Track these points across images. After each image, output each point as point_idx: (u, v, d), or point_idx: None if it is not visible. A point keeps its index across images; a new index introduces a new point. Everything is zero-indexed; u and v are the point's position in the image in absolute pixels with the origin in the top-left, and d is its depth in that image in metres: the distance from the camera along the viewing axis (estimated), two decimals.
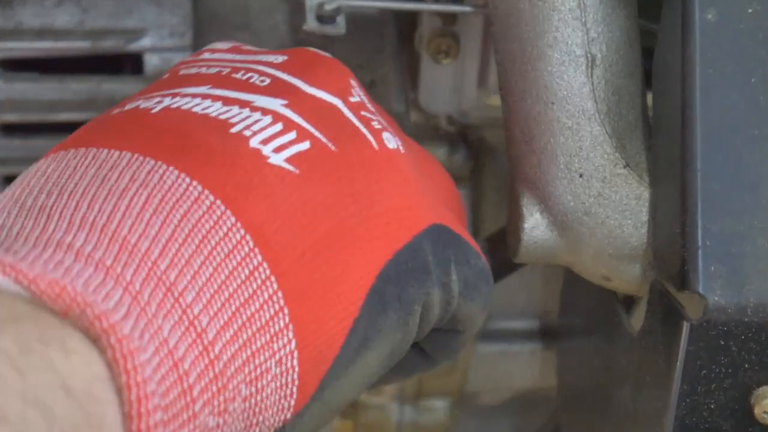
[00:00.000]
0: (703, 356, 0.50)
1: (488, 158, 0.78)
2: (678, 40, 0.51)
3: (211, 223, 0.42)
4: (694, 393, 0.51)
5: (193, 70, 0.51)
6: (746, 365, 0.50)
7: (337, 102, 0.49)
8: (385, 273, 0.47)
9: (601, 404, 0.63)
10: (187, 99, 0.47)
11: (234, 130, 0.45)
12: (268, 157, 0.44)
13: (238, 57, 0.52)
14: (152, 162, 0.43)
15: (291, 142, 0.46)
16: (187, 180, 0.42)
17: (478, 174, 0.78)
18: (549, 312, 0.81)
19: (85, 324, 0.36)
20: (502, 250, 0.62)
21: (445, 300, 0.50)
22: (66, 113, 0.71)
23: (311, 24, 0.60)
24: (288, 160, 0.45)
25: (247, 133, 0.45)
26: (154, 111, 0.46)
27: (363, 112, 0.50)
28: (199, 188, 0.42)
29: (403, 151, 0.50)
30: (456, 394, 0.84)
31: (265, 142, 0.45)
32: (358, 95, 0.51)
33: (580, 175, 0.54)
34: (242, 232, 0.42)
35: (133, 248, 0.40)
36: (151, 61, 0.71)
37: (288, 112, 0.47)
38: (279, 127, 0.46)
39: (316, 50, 0.52)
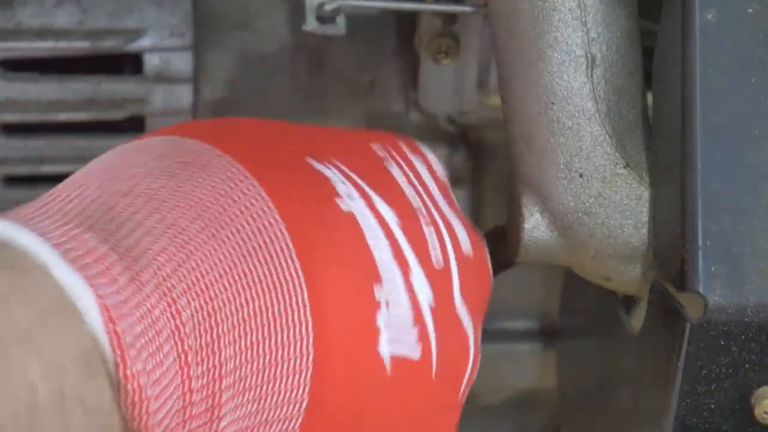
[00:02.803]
0: (704, 356, 0.50)
1: (488, 158, 0.78)
2: (678, 40, 0.51)
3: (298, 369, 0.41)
4: (694, 393, 0.51)
5: (397, 174, 0.48)
6: (746, 365, 0.50)
7: (469, 325, 0.48)
8: None
9: (601, 404, 0.63)
10: (373, 224, 0.45)
11: (377, 294, 0.44)
12: (380, 344, 0.43)
13: (440, 201, 0.50)
14: (297, 267, 0.41)
15: (408, 345, 0.44)
16: (306, 308, 0.41)
17: (478, 174, 0.78)
18: (549, 312, 0.81)
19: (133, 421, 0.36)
20: (501, 247, 0.62)
21: None
22: (66, 113, 0.71)
23: (311, 24, 0.60)
24: (393, 357, 0.44)
25: (383, 308, 0.44)
26: (341, 205, 0.44)
27: (480, 342, 0.49)
28: (310, 325, 0.41)
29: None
30: None
31: (387, 326, 0.44)
32: (483, 311, 0.50)
33: (580, 175, 0.54)
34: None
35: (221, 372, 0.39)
36: (151, 61, 0.71)
37: (427, 315, 0.45)
38: (410, 322, 0.45)
39: (488, 259, 0.51)
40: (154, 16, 0.71)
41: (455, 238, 0.49)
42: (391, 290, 0.44)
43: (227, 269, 0.40)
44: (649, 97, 0.56)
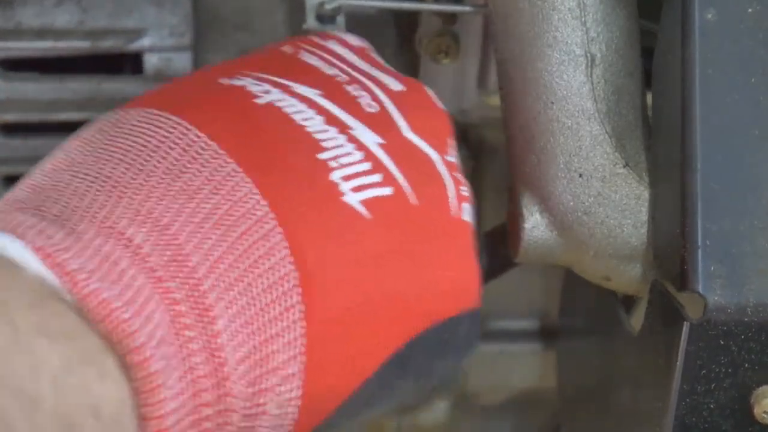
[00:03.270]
0: (703, 356, 0.50)
1: (488, 158, 0.78)
2: (678, 40, 0.51)
3: (266, 247, 0.41)
4: (694, 393, 0.51)
5: (313, 60, 0.50)
6: (746, 365, 0.50)
7: (433, 155, 0.49)
8: (417, 341, 0.46)
9: (601, 404, 0.63)
10: (293, 101, 0.46)
11: (323, 155, 0.44)
12: (344, 194, 0.44)
13: (358, 64, 0.51)
14: (231, 164, 0.42)
15: (373, 185, 0.45)
16: (257, 196, 0.42)
17: (478, 174, 0.78)
18: (549, 312, 0.81)
19: (122, 352, 0.37)
20: (501, 247, 0.62)
21: (448, 382, 0.50)
22: (66, 113, 0.71)
23: (311, 24, 0.60)
24: (364, 202, 0.44)
25: (334, 164, 0.44)
26: (258, 101, 0.45)
27: (456, 173, 0.49)
28: (266, 208, 0.42)
29: (474, 228, 0.50)
30: (456, 394, 0.84)
31: (347, 178, 0.44)
32: (454, 156, 0.50)
33: (580, 175, 0.54)
34: (292, 267, 0.42)
35: (191, 272, 0.40)
36: (151, 61, 0.71)
37: (381, 153, 0.46)
38: (367, 166, 0.45)
39: (431, 92, 0.52)
40: (154, 16, 0.71)
41: (381, 83, 0.50)
42: (334, 148, 0.45)
43: (164, 189, 0.41)
44: (649, 97, 0.56)
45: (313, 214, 0.43)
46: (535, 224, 0.56)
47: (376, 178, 0.45)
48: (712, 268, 0.49)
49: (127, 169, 0.42)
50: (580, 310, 0.70)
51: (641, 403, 0.55)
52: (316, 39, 0.52)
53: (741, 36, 0.50)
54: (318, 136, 0.45)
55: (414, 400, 0.48)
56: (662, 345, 0.52)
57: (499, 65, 0.56)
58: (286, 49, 0.51)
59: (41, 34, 0.70)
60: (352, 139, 0.46)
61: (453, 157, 0.50)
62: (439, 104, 0.51)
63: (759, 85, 0.50)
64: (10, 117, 0.71)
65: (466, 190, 0.49)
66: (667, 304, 0.51)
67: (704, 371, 0.50)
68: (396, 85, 0.50)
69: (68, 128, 0.72)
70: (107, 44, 0.70)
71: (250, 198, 0.42)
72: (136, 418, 0.37)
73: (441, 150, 0.49)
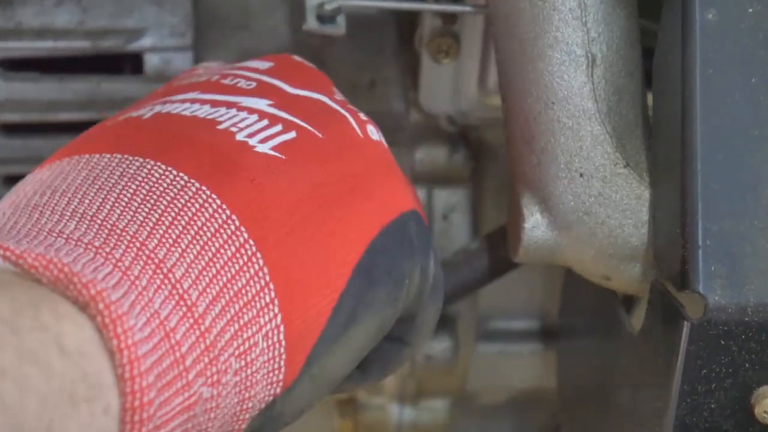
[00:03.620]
0: (704, 356, 0.50)
1: (488, 158, 0.78)
2: (678, 40, 0.51)
3: (197, 206, 0.43)
4: (694, 393, 0.51)
5: (185, 81, 0.53)
6: (746, 365, 0.50)
7: (321, 97, 0.51)
8: (374, 247, 0.48)
9: (601, 404, 0.63)
10: (176, 105, 0.49)
11: (221, 127, 0.47)
12: (254, 147, 0.46)
13: (227, 67, 0.54)
14: (140, 160, 0.44)
15: (277, 134, 0.48)
16: (174, 172, 0.44)
17: (478, 174, 0.78)
18: (549, 312, 0.81)
19: (74, 293, 0.37)
20: (502, 248, 0.62)
21: (421, 286, 0.51)
22: (66, 113, 0.71)
23: (311, 24, 0.60)
24: (274, 148, 0.47)
25: (234, 129, 0.47)
26: (145, 117, 0.48)
27: (348, 107, 0.52)
28: (185, 178, 0.44)
29: (385, 145, 0.52)
30: (456, 394, 0.84)
31: (251, 135, 0.47)
32: (340, 96, 0.53)
33: (581, 175, 0.54)
34: (228, 212, 0.43)
35: (122, 231, 0.41)
36: (151, 61, 0.71)
37: (273, 110, 0.49)
38: (265, 122, 0.48)
39: (299, 58, 0.55)
40: (154, 16, 0.71)
41: (250, 68, 0.53)
42: (229, 119, 0.47)
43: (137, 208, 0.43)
44: (649, 97, 0.56)
45: (234, 168, 0.45)
46: (535, 224, 0.56)
47: (278, 128, 0.48)
48: (713, 268, 0.49)
49: (99, 189, 0.44)
50: (580, 310, 0.70)
51: (641, 403, 0.55)
52: (185, 72, 0.56)
53: (741, 36, 0.50)
54: (211, 116, 0.48)
55: (392, 321, 0.49)
56: (662, 345, 0.52)
57: (499, 65, 0.56)
58: (159, 89, 0.54)
59: (41, 34, 0.70)
60: (242, 109, 0.49)
61: (340, 96, 0.53)
62: (310, 65, 0.55)
63: (759, 85, 0.50)
64: (10, 117, 0.71)
65: (364, 116, 0.52)
66: (667, 304, 0.51)
67: (704, 371, 0.50)
68: (265, 64, 0.53)
69: (68, 128, 0.73)
70: (107, 44, 0.70)
71: (169, 173, 0.44)
72: (106, 352, 0.37)
73: (327, 93, 0.52)
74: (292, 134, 0.48)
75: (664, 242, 0.53)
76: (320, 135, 0.49)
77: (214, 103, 0.49)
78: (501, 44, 0.55)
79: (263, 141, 0.47)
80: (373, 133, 0.52)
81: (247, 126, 0.47)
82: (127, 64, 0.72)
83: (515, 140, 0.56)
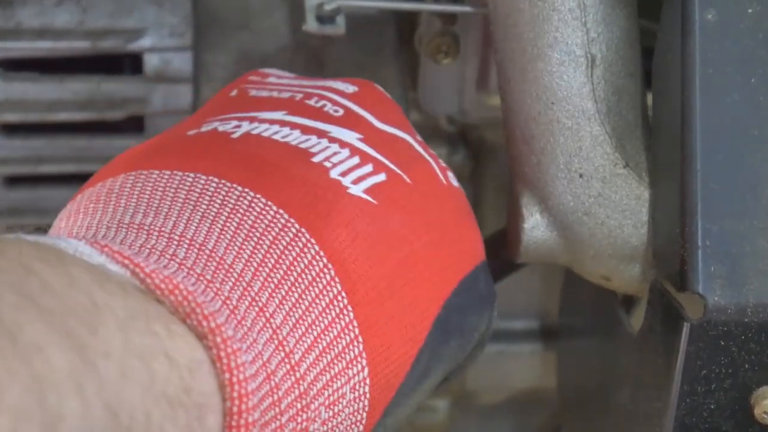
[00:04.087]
0: (703, 356, 0.50)
1: (488, 158, 0.78)
2: (678, 40, 0.51)
3: (297, 250, 0.43)
4: (694, 393, 0.51)
5: (265, 93, 0.52)
6: (746, 365, 0.50)
7: (407, 137, 0.51)
8: (450, 302, 0.48)
9: (601, 404, 0.63)
10: (265, 125, 0.48)
11: (315, 159, 0.47)
12: (348, 188, 0.46)
13: (307, 83, 0.53)
14: (239, 189, 0.44)
15: (368, 174, 0.47)
16: (274, 208, 0.44)
17: (478, 174, 0.78)
18: (549, 312, 0.81)
19: (194, 322, 0.38)
20: (503, 251, 0.62)
21: (484, 335, 0.52)
22: (66, 113, 0.71)
23: (311, 24, 0.60)
24: (366, 191, 0.46)
25: (328, 164, 0.46)
26: (234, 136, 0.47)
27: (430, 151, 0.52)
28: (286, 216, 0.44)
29: (462, 191, 0.53)
30: (456, 394, 0.84)
31: (344, 174, 0.46)
32: (419, 136, 0.53)
33: (580, 175, 0.54)
34: (324, 260, 0.43)
35: (230, 268, 0.41)
36: (151, 61, 0.71)
37: (363, 146, 0.49)
38: (356, 160, 0.48)
39: (380, 88, 0.54)
40: (154, 16, 0.71)
41: (335, 90, 0.52)
42: (322, 151, 0.47)
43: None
44: (649, 97, 0.56)
45: (330, 210, 0.45)
46: (535, 224, 0.56)
47: (369, 168, 0.48)
48: (712, 268, 0.49)
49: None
50: (580, 310, 0.70)
51: (641, 404, 0.55)
52: (254, 77, 0.55)
53: (741, 36, 0.50)
54: (303, 146, 0.47)
55: (454, 368, 0.51)
56: (662, 345, 0.52)
57: (499, 65, 0.56)
58: (233, 93, 0.53)
59: (41, 34, 0.70)
60: (334, 140, 0.48)
61: (419, 137, 0.53)
62: (389, 97, 0.55)
63: (759, 85, 0.50)
64: (10, 117, 0.71)
65: (443, 162, 0.53)
66: (667, 304, 0.51)
67: (704, 372, 0.50)
68: (349, 88, 0.52)
69: (68, 128, 0.73)
70: (107, 44, 0.70)
71: (269, 208, 0.44)
72: (215, 380, 0.37)
73: (411, 133, 0.52)
74: (382, 177, 0.48)
75: (664, 242, 0.53)
76: (408, 180, 0.49)
77: (305, 130, 0.48)
78: (501, 44, 0.55)
79: (356, 182, 0.46)
80: (453, 179, 0.52)
81: (341, 162, 0.47)
82: (127, 64, 0.72)
83: (515, 140, 0.56)
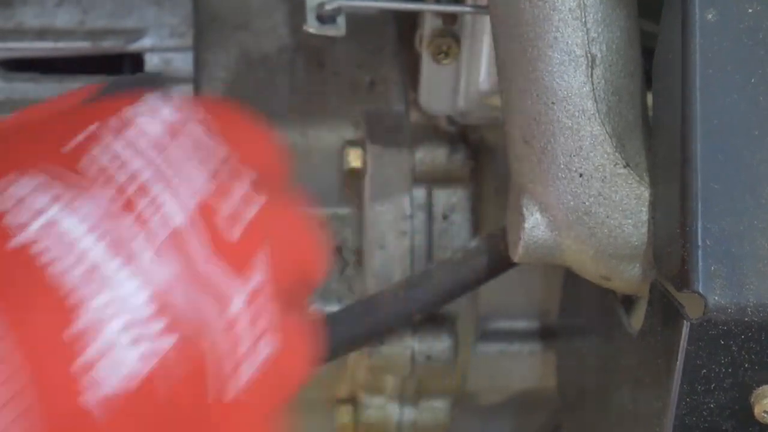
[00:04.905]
0: (703, 356, 0.50)
1: (488, 158, 0.78)
2: (678, 40, 0.51)
3: None
4: (694, 392, 0.51)
5: (94, 167, 0.38)
6: (746, 365, 0.50)
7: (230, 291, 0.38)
8: None
9: (601, 404, 0.63)
10: (58, 240, 0.36)
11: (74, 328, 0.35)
12: (81, 394, 0.35)
13: (171, 151, 0.40)
14: None
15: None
16: None
17: (478, 174, 0.78)
18: (549, 312, 0.81)
19: None
20: (503, 247, 0.61)
21: None
22: None
23: (311, 24, 0.60)
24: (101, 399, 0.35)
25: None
26: (9, 246, 0.36)
27: (259, 304, 0.38)
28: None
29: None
30: (456, 394, 0.84)
31: (88, 367, 0.35)
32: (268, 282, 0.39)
33: (580, 175, 0.54)
34: None
35: None
36: (151, 61, 0.71)
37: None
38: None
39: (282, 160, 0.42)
40: (154, 16, 0.71)
41: (187, 182, 0.39)
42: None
43: None
44: (649, 97, 0.56)
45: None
46: (535, 224, 0.56)
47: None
48: (712, 268, 0.49)
49: None
50: (580, 310, 0.70)
51: (641, 403, 0.55)
52: (126, 113, 0.42)
53: (741, 36, 0.50)
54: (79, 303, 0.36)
55: None
56: (662, 345, 0.52)
57: (499, 65, 0.56)
58: (82, 134, 0.39)
59: (42, 34, 0.70)
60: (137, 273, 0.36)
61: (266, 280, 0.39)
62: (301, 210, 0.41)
63: (759, 85, 0.50)
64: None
65: (264, 322, 0.38)
66: (667, 304, 0.51)
67: (704, 371, 0.50)
68: (206, 174, 0.39)
69: None
70: (107, 44, 0.70)
71: None
72: None
73: (247, 275, 0.38)
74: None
75: (664, 242, 0.53)
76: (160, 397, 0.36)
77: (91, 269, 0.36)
78: (501, 44, 0.55)
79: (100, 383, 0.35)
80: (263, 352, 0.38)
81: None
82: (127, 64, 0.72)
83: (515, 140, 0.56)
